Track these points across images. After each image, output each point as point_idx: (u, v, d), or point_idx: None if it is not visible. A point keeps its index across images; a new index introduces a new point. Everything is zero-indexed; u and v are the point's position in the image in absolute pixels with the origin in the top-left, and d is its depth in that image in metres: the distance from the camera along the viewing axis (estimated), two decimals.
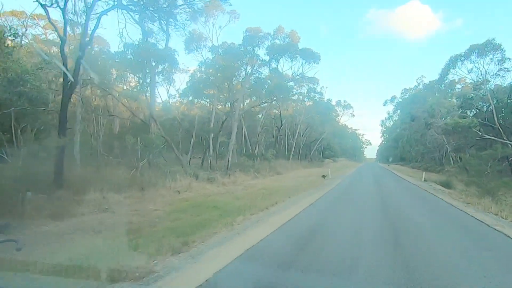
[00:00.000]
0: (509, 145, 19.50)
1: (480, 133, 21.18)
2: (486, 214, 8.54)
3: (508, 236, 5.81)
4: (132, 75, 18.68)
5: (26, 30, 17.25)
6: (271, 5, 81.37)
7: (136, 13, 12.00)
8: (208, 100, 27.83)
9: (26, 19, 19.27)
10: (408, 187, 17.55)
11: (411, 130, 37.34)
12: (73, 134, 16.13)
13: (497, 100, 23.41)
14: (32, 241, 5.60)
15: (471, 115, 25.02)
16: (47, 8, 10.13)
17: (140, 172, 15.35)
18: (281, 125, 32.64)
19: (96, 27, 10.44)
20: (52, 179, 10.60)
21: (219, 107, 29.09)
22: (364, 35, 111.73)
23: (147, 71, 16.26)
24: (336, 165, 49.93)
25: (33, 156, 13.20)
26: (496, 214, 8.39)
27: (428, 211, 9.01)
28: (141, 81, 16.35)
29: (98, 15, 11.18)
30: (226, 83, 24.67)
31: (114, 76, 17.58)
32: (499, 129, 21.46)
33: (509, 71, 23.35)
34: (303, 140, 40.20)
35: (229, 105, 27.23)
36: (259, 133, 29.80)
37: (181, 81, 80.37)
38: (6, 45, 9.95)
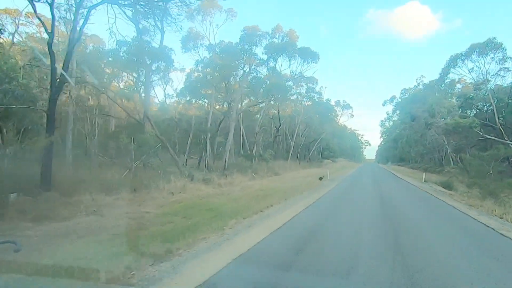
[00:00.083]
0: (511, 146, 19.16)
1: (481, 134, 20.83)
2: (490, 217, 8.18)
3: None
4: (126, 73, 18.22)
5: (18, 27, 16.79)
6: (269, 5, 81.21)
7: (128, 8, 11.60)
8: (206, 100, 27.47)
9: (18, 17, 18.91)
10: (408, 188, 17.20)
11: (411, 130, 37.00)
12: (65, 134, 15.80)
13: (497, 100, 23.10)
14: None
15: (472, 115, 24.72)
16: (35, 3, 9.80)
17: (133, 173, 14.99)
18: (280, 125, 32.28)
19: (85, 22, 10.07)
20: (39, 180, 10.25)
21: (217, 107, 28.75)
22: (363, 35, 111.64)
23: (142, 69, 15.84)
24: (335, 165, 49.58)
25: (21, 156, 12.84)
26: (501, 217, 8.04)
27: (431, 215, 8.64)
28: (135, 79, 15.92)
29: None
30: (223, 83, 24.33)
31: (107, 75, 17.12)
32: (500, 129, 21.14)
33: (510, 70, 23.08)
34: (302, 141, 39.83)
35: (227, 105, 26.88)
36: (257, 133, 29.42)
37: (179, 80, 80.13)
38: None
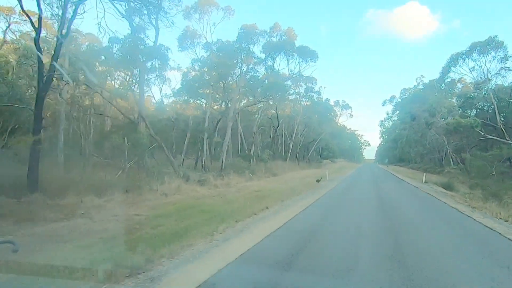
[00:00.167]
0: None
1: (483, 134, 20.47)
2: (495, 220, 7.81)
3: None
4: (119, 72, 17.82)
5: (10, 25, 16.39)
6: (268, 6, 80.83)
7: (121, 1, 11.21)
8: (203, 100, 27.08)
9: (11, 14, 18.49)
10: (408, 190, 16.82)
11: (411, 130, 36.64)
12: (57, 133, 15.40)
13: (498, 100, 22.77)
14: None
15: (472, 115, 24.41)
16: None
17: (127, 174, 14.61)
18: (278, 125, 31.88)
19: (73, 17, 9.72)
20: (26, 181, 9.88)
21: (215, 107, 28.37)
22: (363, 35, 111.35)
23: (136, 68, 15.45)
24: (335, 166, 49.20)
25: (10, 157, 12.45)
26: (506, 221, 7.66)
27: (433, 218, 8.23)
28: (129, 78, 15.54)
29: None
30: (221, 82, 23.96)
31: (101, 73, 16.71)
32: (501, 129, 20.81)
33: (511, 70, 22.77)
34: (300, 141, 39.46)
35: (225, 105, 26.49)
36: (255, 133, 29.04)
37: (177, 80, 79.61)
38: None
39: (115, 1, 11.12)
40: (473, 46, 21.70)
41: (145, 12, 13.78)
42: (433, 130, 25.73)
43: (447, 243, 5.55)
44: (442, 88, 29.11)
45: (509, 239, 5.72)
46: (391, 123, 57.58)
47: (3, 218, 7.28)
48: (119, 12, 13.99)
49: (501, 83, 23.77)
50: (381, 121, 63.63)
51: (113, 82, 21.25)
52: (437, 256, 4.63)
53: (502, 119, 21.82)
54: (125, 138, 14.71)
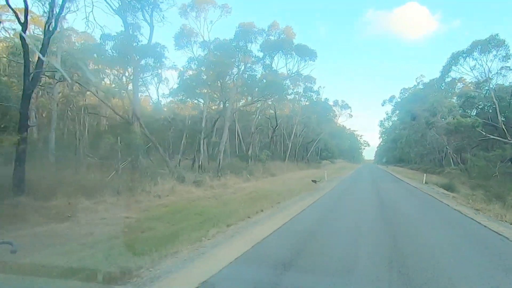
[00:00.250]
0: None
1: (484, 133, 20.11)
2: (500, 223, 7.45)
3: None
4: (113, 70, 17.42)
5: (1, 23, 15.98)
6: (266, 5, 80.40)
7: None
8: (201, 100, 26.68)
9: (3, 11, 18.10)
10: (409, 190, 16.46)
11: (411, 130, 36.29)
12: (48, 132, 15.03)
13: (499, 100, 22.43)
14: None
15: (473, 114, 24.09)
16: None
17: (120, 175, 14.21)
18: (276, 125, 31.50)
19: (60, 11, 9.34)
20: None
21: (213, 107, 27.99)
22: (363, 35, 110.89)
23: (129, 66, 15.07)
24: (334, 166, 48.84)
25: None
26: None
27: (436, 222, 7.85)
28: (121, 76, 15.16)
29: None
30: (218, 82, 23.58)
31: (94, 71, 16.31)
32: (503, 129, 20.46)
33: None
34: (299, 141, 39.08)
35: (222, 105, 26.11)
36: (253, 134, 28.65)
37: (174, 80, 79.12)
38: None
39: None
40: (474, 45, 21.36)
41: (139, 7, 13.37)
42: (433, 130, 25.36)
43: (452, 250, 5.17)
44: (443, 88, 28.76)
45: None
46: (390, 123, 57.26)
47: None
48: (112, 8, 13.68)
49: (501, 83, 23.51)
50: (381, 121, 63.24)
51: (106, 80, 20.84)
52: (442, 265, 4.26)
53: (503, 119, 21.49)
54: (118, 138, 14.32)
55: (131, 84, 16.64)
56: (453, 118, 21.83)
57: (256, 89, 24.58)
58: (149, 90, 28.00)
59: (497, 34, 20.76)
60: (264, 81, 24.61)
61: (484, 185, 13.38)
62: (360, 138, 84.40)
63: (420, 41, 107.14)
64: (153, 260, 4.12)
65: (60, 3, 9.57)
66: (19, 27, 17.89)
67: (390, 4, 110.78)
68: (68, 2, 12.34)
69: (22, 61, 13.90)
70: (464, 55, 21.92)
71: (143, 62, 15.68)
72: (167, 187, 13.53)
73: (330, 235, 5.97)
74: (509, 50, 20.78)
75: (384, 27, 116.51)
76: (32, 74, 9.25)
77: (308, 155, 44.23)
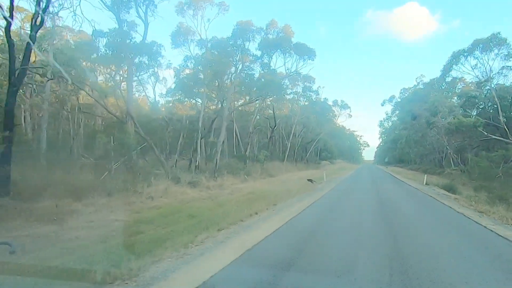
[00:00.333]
0: None
1: (486, 133, 19.74)
2: (506, 227, 7.08)
3: None
4: (105, 68, 17.02)
5: None
6: (265, 5, 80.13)
7: None
8: (199, 100, 26.32)
9: None
10: (410, 192, 16.08)
11: (411, 130, 35.91)
12: (40, 132, 14.64)
13: (500, 99, 22.09)
14: None
15: (474, 114, 23.75)
16: None
17: (112, 175, 13.83)
18: (275, 125, 31.10)
19: (47, 6, 8.95)
20: None
21: (212, 107, 27.63)
22: (362, 35, 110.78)
23: (123, 64, 14.68)
24: (333, 167, 48.47)
25: None
26: None
27: (440, 226, 7.45)
28: (115, 74, 14.76)
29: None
30: (216, 81, 23.23)
31: (87, 70, 15.91)
32: (504, 128, 20.12)
33: None
34: (298, 141, 38.71)
35: (220, 105, 25.73)
36: (251, 134, 28.27)
37: (172, 79, 78.67)
38: None
39: None
40: (475, 43, 21.01)
41: (133, 3, 12.99)
42: (434, 130, 25.00)
43: (460, 257, 4.77)
44: (443, 87, 28.41)
45: None
46: (390, 124, 56.88)
47: None
48: (105, 4, 13.31)
49: (502, 83, 23.19)
50: (381, 121, 62.75)
51: (100, 79, 20.44)
52: (450, 275, 3.88)
53: (505, 119, 21.15)
54: (111, 138, 13.95)
55: (126, 83, 16.19)
56: (454, 118, 21.46)
57: (255, 89, 24.20)
58: (147, 90, 27.61)
59: (498, 33, 20.45)
60: (263, 80, 24.26)
61: (487, 187, 13.00)
62: (360, 138, 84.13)
63: (420, 41, 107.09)
64: (131, 270, 3.74)
65: None
66: (13, 27, 17.60)
67: (390, 4, 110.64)
68: None
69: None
70: (465, 54, 21.57)
71: (137, 60, 15.27)
72: (161, 188, 13.15)
73: (327, 245, 5.54)
74: (511, 48, 20.43)
75: (384, 27, 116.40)
76: (18, 70, 8.88)
77: (307, 155, 43.86)
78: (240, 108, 29.94)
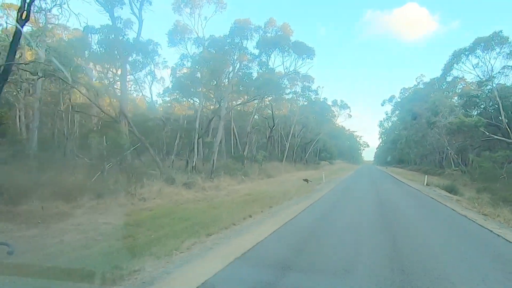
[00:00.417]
0: None
1: (487, 133, 19.39)
2: None
3: None
4: (98, 66, 16.64)
5: None
6: (264, 5, 79.75)
7: None
8: (196, 99, 25.96)
9: None
10: (410, 193, 15.73)
11: (411, 130, 35.55)
12: (30, 132, 14.28)
13: (501, 99, 21.75)
14: None
15: (475, 114, 23.42)
16: None
17: (105, 176, 13.46)
18: (274, 125, 30.75)
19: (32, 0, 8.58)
20: None
21: (211, 107, 27.28)
22: (362, 36, 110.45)
23: (117, 62, 14.30)
24: (333, 167, 48.10)
25: None
26: None
27: (444, 230, 7.06)
28: (107, 72, 14.39)
29: None
30: (214, 80, 22.88)
31: (79, 67, 15.53)
32: (506, 128, 19.78)
33: None
34: (297, 142, 38.33)
35: (218, 104, 25.38)
36: (249, 134, 27.89)
37: (170, 79, 78.07)
38: None
39: None
40: (476, 42, 20.67)
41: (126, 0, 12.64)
42: (435, 129, 24.65)
43: (468, 267, 4.40)
44: (444, 87, 28.08)
45: None
46: (390, 124, 56.56)
47: None
48: (98, 2, 12.96)
49: (503, 83, 22.88)
50: (380, 121, 62.40)
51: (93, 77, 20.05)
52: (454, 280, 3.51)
53: (506, 120, 20.82)
54: (104, 138, 13.59)
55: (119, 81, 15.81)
56: (455, 118, 21.11)
57: (253, 88, 23.85)
58: (144, 90, 27.23)
59: (500, 31, 20.12)
60: (261, 79, 23.91)
61: (490, 188, 12.64)
62: (360, 139, 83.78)
63: (420, 42, 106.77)
64: (103, 281, 3.38)
65: None
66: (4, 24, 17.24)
67: (389, 4, 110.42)
68: None
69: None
70: (466, 53, 21.24)
71: (132, 58, 14.91)
72: (155, 189, 12.79)
73: (323, 253, 5.18)
74: None
75: (384, 27, 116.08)
76: (2, 67, 8.52)
77: (307, 155, 43.48)
78: (238, 108, 29.59)
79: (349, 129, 69.61)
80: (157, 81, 27.18)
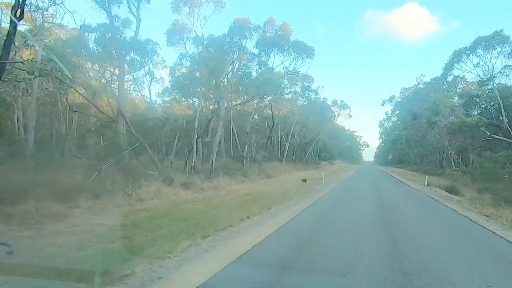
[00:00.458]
0: None
1: (489, 133, 19.25)
2: None
3: None
4: (95, 65, 16.50)
5: None
6: (263, 5, 79.65)
7: None
8: (196, 99, 25.83)
9: None
10: (411, 193, 15.59)
11: (412, 129, 35.41)
12: (27, 132, 14.15)
13: (502, 99, 21.61)
14: None
15: (476, 114, 23.29)
16: None
17: (102, 176, 13.32)
18: (273, 125, 30.61)
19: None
20: None
21: (211, 107, 27.17)
22: (361, 36, 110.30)
23: (115, 61, 14.16)
24: (333, 167, 47.95)
25: None
26: None
27: (446, 231, 6.89)
28: (104, 72, 14.25)
29: None
30: (213, 80, 22.75)
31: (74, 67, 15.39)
32: (507, 128, 19.64)
33: None
34: (297, 142, 38.19)
35: (217, 104, 25.25)
36: (248, 134, 27.74)
37: (169, 78, 77.82)
38: None
39: None
40: (477, 41, 20.54)
41: None
42: (435, 129, 24.50)
43: (469, 268, 4.28)
44: (444, 87, 27.95)
45: None
46: (390, 124, 56.42)
47: None
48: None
49: (504, 82, 22.75)
50: (380, 121, 62.27)
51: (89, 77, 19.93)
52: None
53: (507, 119, 20.68)
54: (101, 137, 13.45)
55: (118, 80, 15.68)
56: (456, 117, 20.97)
57: (252, 88, 23.71)
58: (144, 90, 27.07)
59: (501, 30, 20.00)
60: (260, 79, 23.78)
61: (491, 188, 12.49)
62: (360, 139, 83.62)
63: (420, 42, 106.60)
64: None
65: None
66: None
67: (389, 4, 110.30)
68: None
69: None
70: (467, 52, 21.11)
71: (129, 57, 14.77)
72: (153, 190, 12.65)
73: (323, 250, 5.06)
74: None
75: (384, 27, 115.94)
76: None
77: (306, 156, 43.34)
78: (238, 108, 29.47)
79: (349, 129, 69.54)
80: (157, 81, 27.08)
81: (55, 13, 11.24)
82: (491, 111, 22.47)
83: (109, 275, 3.63)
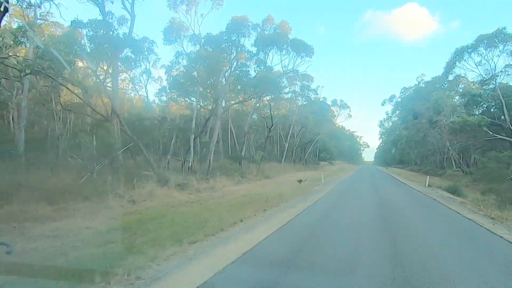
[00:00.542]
0: None
1: (491, 133, 18.86)
2: None
3: None
4: (86, 62, 16.13)
5: None
6: (262, 4, 79.33)
7: None
8: (193, 99, 25.47)
9: None
10: (412, 195, 15.19)
11: (412, 130, 35.02)
12: (17, 131, 13.79)
13: (504, 98, 21.24)
14: None
15: (477, 113, 22.93)
16: None
17: (94, 177, 12.95)
18: (272, 125, 30.24)
19: None
20: None
21: (209, 107, 26.82)
22: (361, 36, 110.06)
23: (108, 59, 13.79)
24: (333, 168, 47.57)
25: None
26: None
27: (452, 236, 6.46)
28: (97, 68, 13.88)
29: None
30: (211, 79, 22.40)
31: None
32: (510, 128, 19.27)
33: None
34: (296, 142, 37.82)
35: (215, 103, 24.88)
36: (246, 133, 27.37)
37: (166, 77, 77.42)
38: None
39: None
40: (479, 40, 20.16)
41: None
42: (437, 129, 24.13)
43: (478, 275, 3.91)
44: (445, 86, 27.57)
45: None
46: (390, 124, 56.02)
47: None
48: None
49: (506, 82, 22.39)
50: (381, 121, 61.83)
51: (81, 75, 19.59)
52: None
53: (510, 118, 20.30)
54: (94, 137, 13.09)
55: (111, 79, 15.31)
56: (458, 116, 20.59)
57: (251, 88, 23.35)
58: (142, 89, 26.77)
59: (504, 28, 19.60)
60: (259, 78, 23.42)
61: (495, 189, 12.12)
62: (360, 139, 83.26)
63: (420, 42, 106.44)
64: None
65: None
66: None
67: (389, 4, 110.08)
68: None
69: None
70: (469, 50, 20.73)
71: (122, 55, 14.40)
72: (146, 191, 12.29)
73: (320, 257, 4.68)
74: None
75: (384, 27, 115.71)
76: None
77: (306, 156, 42.97)
78: (236, 108, 29.13)
79: (349, 129, 69.23)
80: (155, 81, 26.80)
81: (49, 12, 10.88)
82: (493, 111, 22.12)
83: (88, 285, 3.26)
